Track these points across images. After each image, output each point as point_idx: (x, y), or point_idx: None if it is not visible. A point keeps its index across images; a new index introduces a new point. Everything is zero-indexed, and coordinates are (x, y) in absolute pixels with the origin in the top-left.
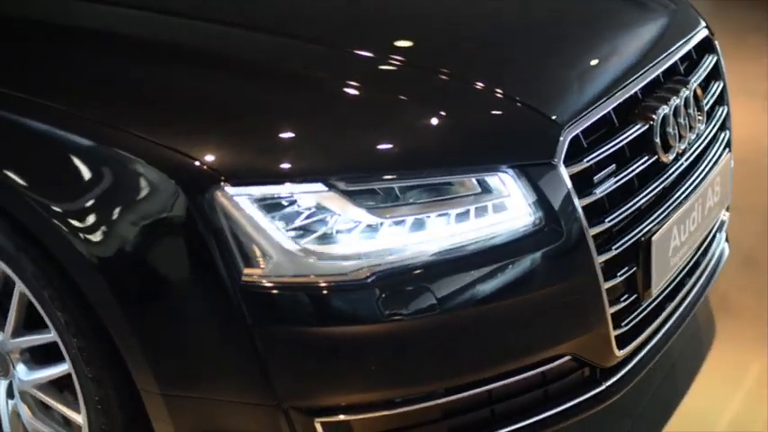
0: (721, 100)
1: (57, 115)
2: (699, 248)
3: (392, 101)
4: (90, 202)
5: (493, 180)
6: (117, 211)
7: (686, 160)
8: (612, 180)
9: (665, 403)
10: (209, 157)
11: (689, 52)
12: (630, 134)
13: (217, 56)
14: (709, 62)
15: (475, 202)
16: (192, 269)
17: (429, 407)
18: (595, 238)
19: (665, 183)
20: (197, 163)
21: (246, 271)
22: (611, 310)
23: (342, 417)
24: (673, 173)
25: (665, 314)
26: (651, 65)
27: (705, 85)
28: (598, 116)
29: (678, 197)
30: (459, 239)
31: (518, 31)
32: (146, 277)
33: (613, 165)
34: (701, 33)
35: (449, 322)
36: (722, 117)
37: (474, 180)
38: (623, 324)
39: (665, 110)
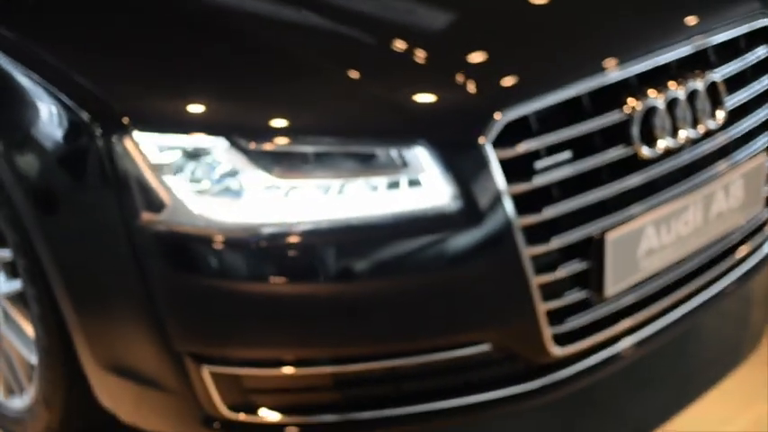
0: None
1: None
2: (702, 255)
3: (312, 64)
4: (8, 126)
5: (409, 154)
6: (29, 136)
7: (682, 157)
8: (567, 169)
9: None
10: (121, 100)
11: (734, 40)
12: (603, 123)
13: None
14: (758, 55)
15: (386, 174)
16: (96, 204)
17: (322, 373)
18: (528, 228)
19: (639, 179)
20: (109, 103)
21: (144, 215)
22: (545, 306)
23: (230, 369)
24: (655, 169)
25: (638, 319)
26: (652, 50)
27: (748, 79)
28: (559, 99)
29: (658, 196)
30: (362, 210)
31: (479, 2)
32: (53, 203)
33: (569, 153)
34: (753, 22)
35: (335, 290)
36: (765, 116)
37: (391, 152)
38: (566, 322)
39: (652, 101)
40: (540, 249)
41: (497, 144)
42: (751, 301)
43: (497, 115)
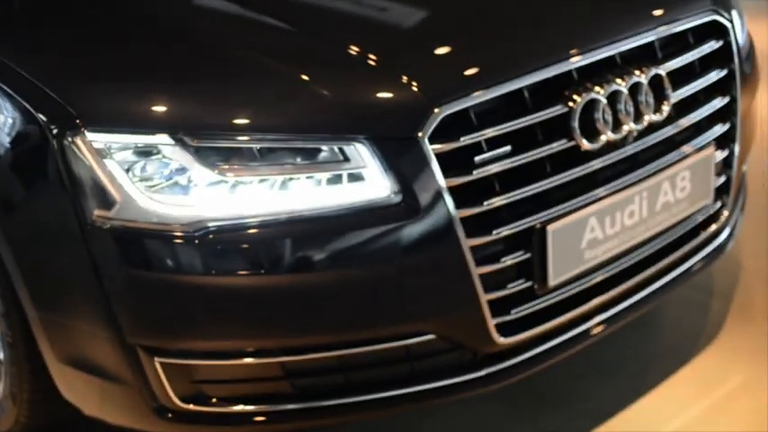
0: (722, 90)
1: None
2: (651, 245)
3: (256, 62)
4: None
5: (350, 149)
6: None
7: (626, 149)
8: (508, 162)
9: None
10: (74, 101)
11: (682, 34)
12: (544, 116)
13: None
14: (705, 49)
15: (329, 169)
16: (52, 202)
17: (270, 363)
18: (468, 219)
19: (581, 171)
20: (62, 104)
21: (96, 212)
22: (487, 296)
23: (180, 360)
24: (598, 161)
25: (586, 309)
26: (594, 45)
27: (697, 73)
28: (497, 94)
29: (602, 188)
30: (306, 205)
31: (432, 2)
32: (11, 202)
33: (508, 147)
34: (701, 17)
35: (280, 283)
36: (715, 108)
37: (333, 147)
38: (512, 312)
39: (590, 95)
40: (482, 241)
41: (436, 138)
42: (713, 291)
43: (434, 110)
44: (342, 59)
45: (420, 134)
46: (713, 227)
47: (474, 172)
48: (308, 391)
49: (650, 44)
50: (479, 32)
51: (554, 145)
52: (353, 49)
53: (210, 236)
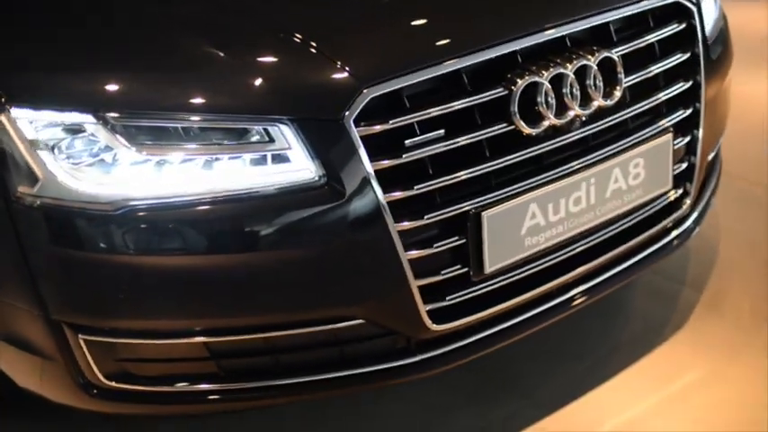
0: (685, 74)
1: None
2: (599, 233)
3: (181, 41)
4: None
5: (274, 130)
6: None
7: (571, 134)
8: (442, 145)
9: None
10: (1, 78)
11: (642, 16)
12: (481, 99)
13: None
14: (665, 31)
15: (253, 150)
16: None
17: (194, 344)
18: (397, 204)
19: (520, 156)
20: None
21: (20, 188)
22: (418, 282)
23: (104, 338)
24: (540, 146)
25: (528, 296)
26: (538, 27)
27: (657, 57)
28: (430, 76)
29: (543, 173)
30: (231, 185)
31: None
32: None
33: (442, 131)
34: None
35: (203, 263)
36: (675, 93)
37: (257, 128)
38: (446, 298)
39: (532, 78)
40: (411, 225)
41: (364, 120)
42: (685, 281)
43: (361, 91)
44: (270, 39)
45: (345, 116)
46: (674, 215)
47: (404, 155)
48: (235, 371)
49: (605, 26)
50: (415, 13)
51: (492, 129)
52: (283, 29)
53: (132, 215)
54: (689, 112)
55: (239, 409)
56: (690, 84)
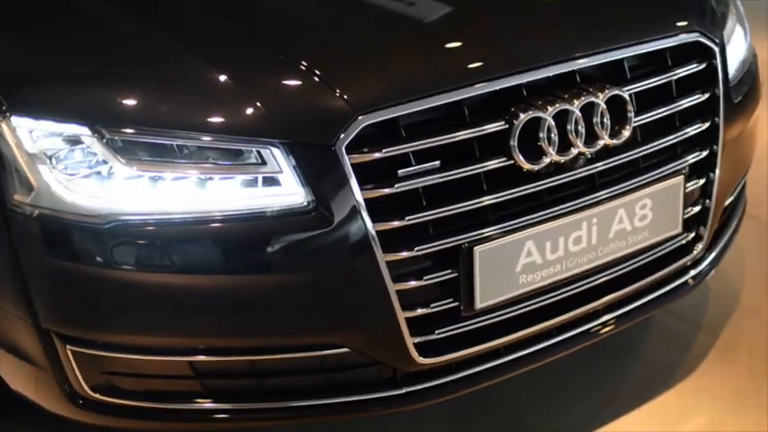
0: (702, 115)
1: None
2: (601, 274)
3: (181, 60)
4: None
5: (266, 153)
6: None
7: (574, 172)
8: (435, 177)
9: None
10: (3, 86)
11: (659, 54)
12: (480, 132)
13: None
14: (682, 71)
15: (244, 171)
16: None
17: (178, 362)
18: (386, 234)
19: (519, 191)
20: None
21: (16, 196)
22: (406, 314)
23: (91, 350)
24: (539, 183)
25: (522, 334)
26: (545, 62)
27: (674, 96)
28: (427, 106)
29: (543, 210)
30: (220, 205)
31: (371, 8)
32: None
33: (437, 162)
34: (682, 38)
35: (189, 282)
36: (690, 134)
37: (248, 150)
38: (435, 332)
39: (534, 113)
40: (401, 256)
41: (356, 148)
42: (702, 325)
43: (354, 119)
44: (269, 62)
45: (336, 142)
46: (684, 259)
47: (396, 185)
48: (219, 392)
49: (619, 62)
50: (420, 43)
51: (490, 162)
52: (283, 52)
53: (121, 229)
54: (705, 153)
55: (223, 429)
56: (707, 125)
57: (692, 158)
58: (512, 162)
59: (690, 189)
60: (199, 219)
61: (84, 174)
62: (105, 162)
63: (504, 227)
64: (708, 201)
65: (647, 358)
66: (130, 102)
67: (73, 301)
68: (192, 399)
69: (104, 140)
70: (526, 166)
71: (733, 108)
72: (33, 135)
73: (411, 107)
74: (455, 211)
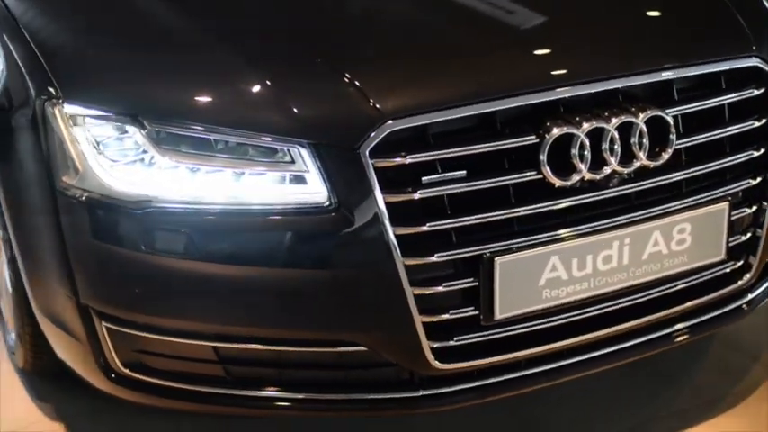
0: (757, 142)
1: None
2: (634, 296)
3: (222, 56)
4: None
5: (294, 152)
6: None
7: (608, 191)
8: (460, 186)
9: None
10: (60, 75)
11: (713, 77)
12: (510, 145)
13: None
14: (735, 96)
15: (273, 168)
16: (36, 164)
17: (204, 346)
18: (407, 238)
19: (547, 206)
20: (50, 77)
21: (64, 178)
22: (423, 318)
23: (123, 328)
24: (569, 199)
25: (545, 348)
26: (585, 78)
27: (728, 120)
28: (456, 116)
29: (572, 227)
30: (249, 198)
31: (410, 18)
32: (7, 158)
33: (464, 171)
34: (738, 61)
35: (216, 271)
36: (741, 160)
37: (278, 148)
38: (454, 339)
39: (566, 129)
40: (420, 261)
41: (382, 152)
42: (759, 358)
43: (381, 125)
44: (306, 65)
45: (361, 146)
46: (728, 288)
47: (419, 192)
48: (242, 379)
49: (668, 83)
50: (455, 53)
51: (518, 175)
52: (322, 58)
53: (154, 216)
54: (756, 182)
55: (244, 415)
56: (761, 153)
57: (741, 185)
58: (541, 176)
59: (737, 216)
60: (228, 211)
61: (126, 161)
62: (145, 151)
63: (529, 240)
64: (758, 230)
65: (691, 388)
66: (171, 96)
67: (108, 281)
68: (216, 383)
69: (145, 131)
70: (554, 181)
71: None
72: (83, 122)
73: (439, 116)
74: (479, 221)
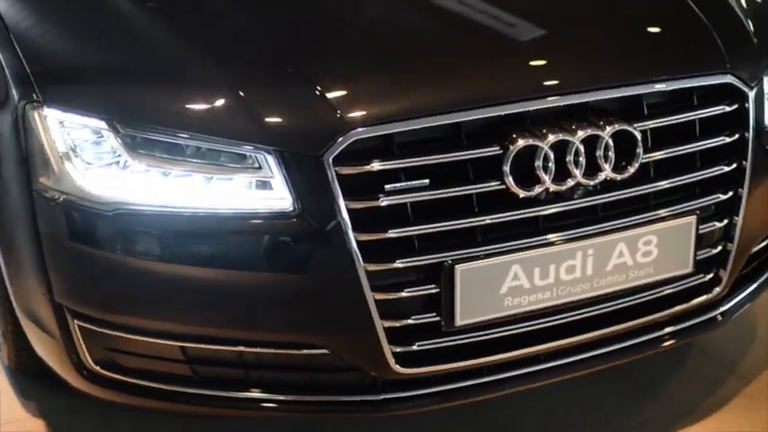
0: (729, 158)
1: None
2: (598, 306)
3: (193, 62)
4: None
5: (261, 158)
6: None
7: (572, 202)
8: (423, 194)
9: None
10: (40, 79)
11: (685, 92)
12: (473, 155)
13: None
14: (709, 111)
15: (241, 173)
16: (16, 164)
17: (170, 346)
18: (369, 245)
19: (509, 216)
20: (31, 80)
21: (41, 179)
22: (384, 323)
23: (94, 327)
24: (533, 209)
25: (507, 356)
26: (547, 93)
27: (698, 136)
28: (420, 126)
29: (533, 236)
30: (214, 203)
31: (381, 28)
32: None
33: (426, 180)
34: (711, 78)
35: (180, 272)
36: (711, 175)
37: (245, 154)
38: (416, 344)
39: (530, 141)
40: (381, 267)
41: (346, 160)
42: (735, 371)
43: (345, 133)
44: (276, 73)
45: (324, 154)
46: (697, 300)
47: (381, 199)
48: (209, 379)
49: (637, 97)
50: (424, 63)
51: (481, 185)
52: (292, 66)
53: (123, 218)
54: (727, 196)
55: (212, 415)
56: (732, 168)
57: (710, 200)
58: (504, 187)
59: (707, 230)
60: (197, 215)
61: (101, 164)
62: (119, 155)
63: (490, 249)
64: (729, 244)
65: (667, 397)
66: (144, 101)
67: (80, 280)
68: (185, 383)
69: (119, 135)
70: (518, 191)
71: (766, 153)
72: (60, 125)
73: (403, 126)
74: (441, 229)
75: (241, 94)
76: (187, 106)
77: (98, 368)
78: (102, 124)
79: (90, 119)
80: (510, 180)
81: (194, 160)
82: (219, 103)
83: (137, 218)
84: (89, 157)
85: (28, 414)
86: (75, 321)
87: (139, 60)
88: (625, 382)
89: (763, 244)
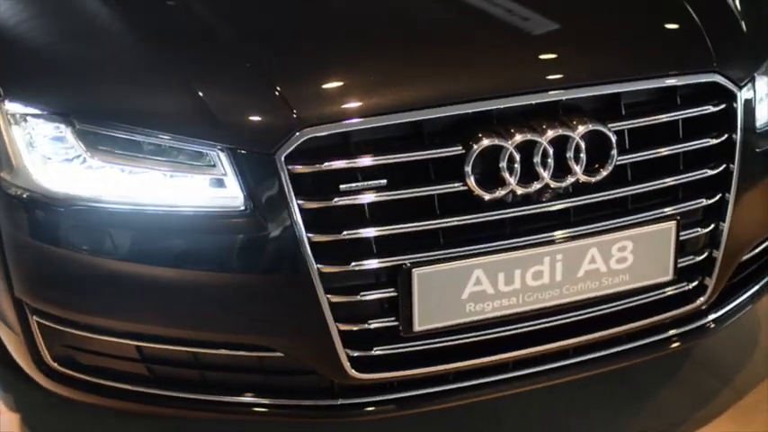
0: (715, 161)
1: None
2: (570, 313)
3: (149, 57)
4: None
5: (214, 156)
6: None
7: (539, 205)
8: (380, 195)
9: None
10: (3, 74)
11: (668, 92)
12: (434, 155)
13: None
14: (692, 111)
15: (195, 171)
16: None
17: (126, 345)
18: (322, 246)
19: (471, 218)
20: None
21: (2, 174)
22: (339, 326)
23: (52, 324)
24: (496, 212)
25: (471, 363)
26: (516, 90)
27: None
28: (378, 125)
29: (497, 240)
30: (168, 200)
31: (342, 27)
32: None
33: (384, 180)
34: (696, 76)
35: (133, 271)
36: (694, 178)
37: (198, 152)
38: (374, 349)
39: (497, 141)
40: (335, 269)
41: (299, 159)
42: (728, 381)
43: (297, 132)
44: (233, 71)
45: (276, 152)
46: (680, 309)
47: (335, 199)
48: (164, 379)
49: (615, 96)
50: (383, 61)
51: (443, 186)
52: (250, 64)
53: (77, 213)
54: (712, 201)
55: (168, 415)
56: (717, 171)
57: (691, 205)
58: (466, 188)
59: (690, 236)
60: (151, 212)
61: (58, 159)
62: (74, 150)
63: (450, 252)
64: (714, 251)
65: (658, 409)
66: (100, 97)
67: (37, 276)
68: (141, 382)
69: (76, 130)
70: (479, 192)
71: (756, 155)
72: (21, 119)
73: (358, 125)
74: (399, 231)
75: (198, 92)
76: (144, 103)
77: (56, 365)
78: (60, 119)
79: (49, 113)
80: (471, 181)
81: (151, 157)
82: (176, 100)
83: (92, 214)
84: (47, 152)
85: (3, 407)
86: (35, 317)
87: (99, 57)
88: (614, 391)
89: (757, 251)
